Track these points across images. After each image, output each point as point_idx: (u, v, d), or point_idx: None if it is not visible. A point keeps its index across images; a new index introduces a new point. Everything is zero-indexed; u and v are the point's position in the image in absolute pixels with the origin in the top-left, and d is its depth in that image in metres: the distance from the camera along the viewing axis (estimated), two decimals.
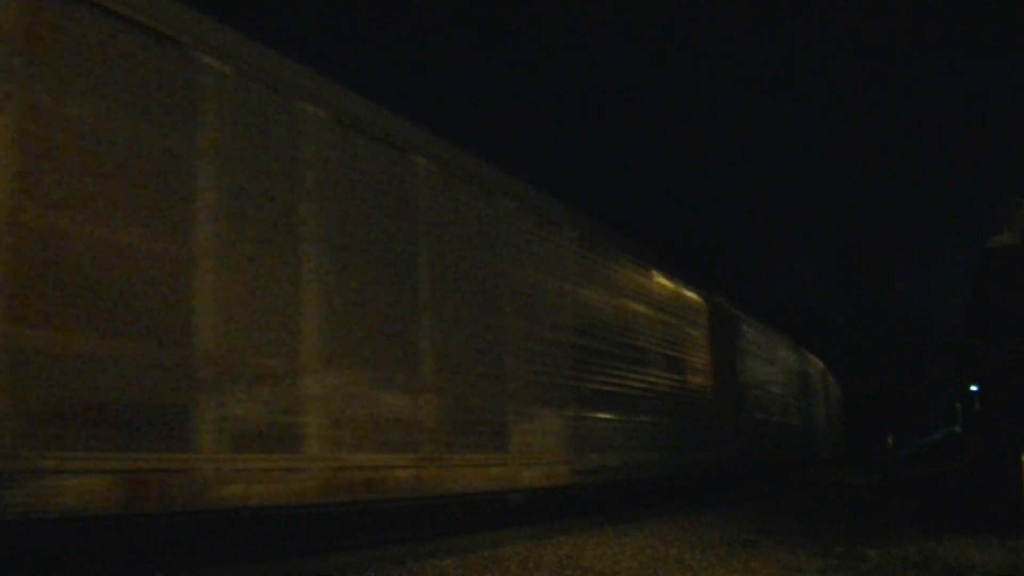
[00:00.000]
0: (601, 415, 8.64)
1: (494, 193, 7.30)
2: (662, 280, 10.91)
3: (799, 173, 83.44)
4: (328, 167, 5.45)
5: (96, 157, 4.05)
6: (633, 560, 5.60)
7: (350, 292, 5.51)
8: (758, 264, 69.72)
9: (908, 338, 50.44)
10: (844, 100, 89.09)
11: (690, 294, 12.01)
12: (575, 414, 8.09)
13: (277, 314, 4.94)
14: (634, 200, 64.51)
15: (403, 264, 6.05)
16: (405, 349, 5.94)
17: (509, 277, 7.39)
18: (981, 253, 11.33)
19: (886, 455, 33.83)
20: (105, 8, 4.14)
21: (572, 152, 78.00)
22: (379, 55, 70.43)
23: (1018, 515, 7.42)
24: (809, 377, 22.00)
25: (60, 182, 3.89)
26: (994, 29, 75.14)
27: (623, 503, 9.38)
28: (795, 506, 10.77)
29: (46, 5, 3.92)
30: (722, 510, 9.66)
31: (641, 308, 10.11)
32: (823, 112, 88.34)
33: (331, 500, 5.09)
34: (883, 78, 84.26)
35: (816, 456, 22.50)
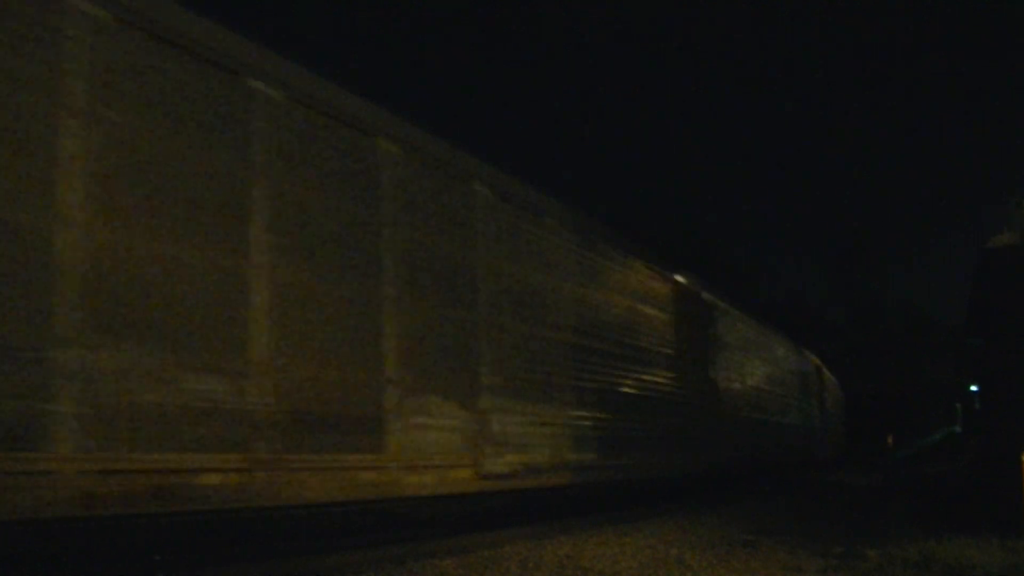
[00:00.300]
0: (522, 409, 7.36)
1: (368, 131, 5.95)
2: (613, 255, 9.56)
3: (799, 173, 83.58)
4: (106, 71, 4.30)
5: None
6: (633, 560, 5.59)
7: (133, 240, 4.24)
8: (758, 264, 69.88)
9: (908, 338, 50.48)
10: (844, 100, 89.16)
11: (650, 273, 10.65)
12: (486, 407, 6.83)
13: (10, 265, 3.79)
14: (634, 200, 64.53)
15: (225, 204, 4.73)
16: (224, 317, 4.65)
17: (395, 232, 6.03)
18: (981, 253, 11.31)
19: (886, 455, 33.84)
20: None
21: (572, 152, 78.00)
22: (379, 55, 70.46)
23: (1018, 515, 7.41)
24: (806, 375, 21.72)
25: None
26: (994, 29, 75.15)
27: (623, 503, 9.36)
28: (795, 506, 10.76)
29: None
30: (722, 510, 9.65)
31: (582, 287, 8.77)
32: (823, 112, 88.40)
33: (97, 513, 4.01)
34: (883, 78, 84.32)
35: (814, 457, 22.26)
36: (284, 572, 4.79)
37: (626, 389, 9.60)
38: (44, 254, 3.92)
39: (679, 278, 11.76)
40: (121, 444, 4.12)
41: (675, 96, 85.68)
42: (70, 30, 4.12)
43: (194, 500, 4.43)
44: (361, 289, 5.70)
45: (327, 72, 5.62)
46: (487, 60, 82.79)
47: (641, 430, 9.87)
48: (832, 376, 28.36)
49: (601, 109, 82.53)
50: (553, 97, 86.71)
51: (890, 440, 37.95)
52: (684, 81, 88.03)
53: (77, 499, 3.94)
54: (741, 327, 14.88)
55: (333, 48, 65.30)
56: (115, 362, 4.12)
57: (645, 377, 10.20)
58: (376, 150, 5.99)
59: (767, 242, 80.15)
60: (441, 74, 79.20)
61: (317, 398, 5.22)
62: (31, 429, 3.82)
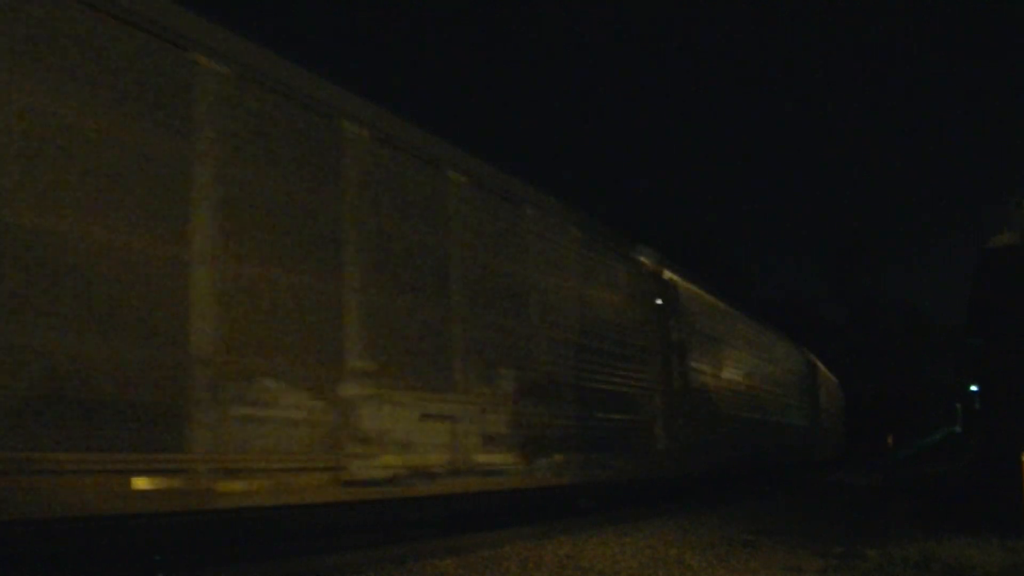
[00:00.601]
0: (408, 399, 6.00)
1: (183, 46, 4.73)
2: (544, 220, 8.17)
3: (798, 173, 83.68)
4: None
5: None
6: (633, 560, 5.59)
7: None
8: (759, 264, 69.99)
9: (908, 338, 50.53)
10: (844, 100, 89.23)
11: (600, 248, 9.33)
12: (353, 395, 5.54)
13: None
14: (634, 200, 64.56)
15: None
16: None
17: (212, 169, 4.78)
18: (981, 253, 11.32)
19: (886, 455, 33.85)
20: None
21: (572, 152, 78.02)
22: (379, 55, 70.49)
23: (1018, 515, 7.41)
24: (804, 374, 21.37)
25: None
26: (994, 29, 75.27)
27: (623, 503, 9.34)
28: (795, 506, 10.76)
29: None
30: (722, 510, 9.65)
31: (498, 256, 7.35)
32: (823, 112, 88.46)
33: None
34: (883, 78, 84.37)
35: (811, 457, 21.85)
36: (284, 572, 4.80)
37: (561, 379, 8.10)
38: None
39: (640, 257, 10.24)
40: None
41: (675, 96, 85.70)
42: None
43: None
44: (153, 240, 4.40)
45: (326, 71, 5.56)
46: (487, 60, 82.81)
47: (580, 427, 8.34)
48: (832, 376, 28.32)
49: (601, 109, 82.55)
50: (553, 97, 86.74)
51: (890, 440, 37.98)
52: (684, 81, 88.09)
53: None
54: (722, 317, 13.69)
55: (333, 48, 65.32)
56: None
57: (587, 366, 8.59)
58: (191, 66, 4.78)
59: (767, 242, 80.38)
60: (441, 74, 79.24)
61: (75, 380, 4.00)
62: None
